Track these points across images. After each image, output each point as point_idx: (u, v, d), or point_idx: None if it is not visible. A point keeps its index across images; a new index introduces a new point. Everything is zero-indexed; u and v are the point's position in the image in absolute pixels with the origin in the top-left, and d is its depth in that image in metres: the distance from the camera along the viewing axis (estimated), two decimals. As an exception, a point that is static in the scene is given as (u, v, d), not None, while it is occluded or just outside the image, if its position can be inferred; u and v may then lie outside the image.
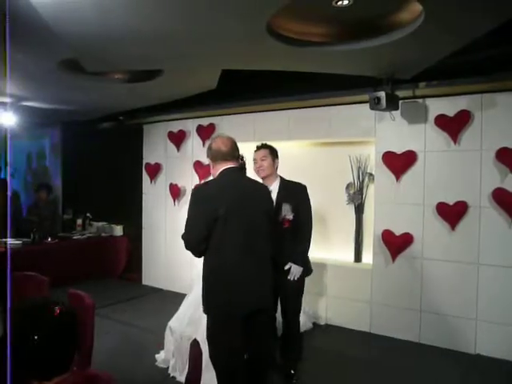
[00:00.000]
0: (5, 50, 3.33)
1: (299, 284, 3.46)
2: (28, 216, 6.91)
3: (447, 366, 3.89)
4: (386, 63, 3.69)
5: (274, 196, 3.41)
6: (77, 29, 2.96)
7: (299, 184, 3.55)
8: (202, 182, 3.67)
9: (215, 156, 2.74)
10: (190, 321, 3.54)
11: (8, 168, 7.27)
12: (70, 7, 2.67)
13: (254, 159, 3.54)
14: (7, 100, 5.66)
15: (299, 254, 3.42)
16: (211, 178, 2.90)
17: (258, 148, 3.57)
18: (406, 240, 4.49)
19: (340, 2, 2.83)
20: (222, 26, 3.03)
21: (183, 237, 2.60)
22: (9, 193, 6.60)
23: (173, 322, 3.70)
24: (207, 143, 5.75)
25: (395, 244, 4.54)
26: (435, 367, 3.87)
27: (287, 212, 3.36)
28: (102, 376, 1.43)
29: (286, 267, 3.37)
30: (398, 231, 4.54)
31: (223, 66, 4.15)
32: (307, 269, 3.49)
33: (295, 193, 3.47)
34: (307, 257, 3.54)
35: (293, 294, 3.48)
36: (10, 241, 5.74)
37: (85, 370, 1.46)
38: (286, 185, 3.51)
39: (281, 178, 3.55)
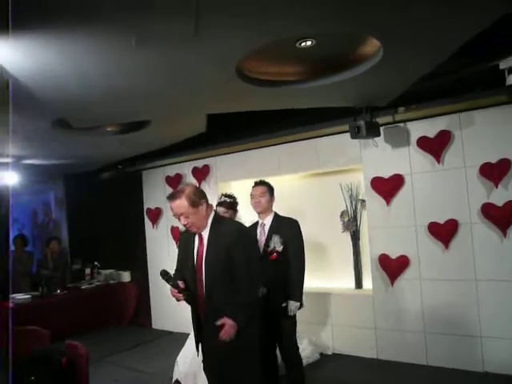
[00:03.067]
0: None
1: (293, 318, 3.51)
2: (38, 270, 7.06)
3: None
4: (360, 94, 3.84)
5: (266, 229, 3.57)
6: (58, 93, 3.18)
7: (290, 219, 3.66)
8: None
9: (207, 199, 2.76)
10: (192, 359, 3.58)
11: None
12: (50, 75, 2.88)
13: (252, 195, 3.65)
14: (9, 160, 5.91)
15: (296, 289, 3.45)
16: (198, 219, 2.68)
17: (257, 184, 3.70)
18: (402, 262, 4.52)
19: (304, 44, 2.99)
20: (195, 78, 3.22)
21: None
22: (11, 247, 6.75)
23: (180, 358, 3.74)
24: (203, 184, 5.97)
25: (392, 267, 4.58)
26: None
27: (276, 243, 3.44)
28: None
29: (283, 304, 3.41)
30: (393, 254, 4.58)
31: (202, 112, 4.33)
32: (301, 303, 3.52)
33: (286, 226, 3.56)
34: (302, 291, 3.56)
35: (288, 329, 3.51)
36: (13, 296, 5.85)
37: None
38: (278, 219, 3.63)
39: (275, 213, 3.67)
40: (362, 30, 2.77)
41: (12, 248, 7.22)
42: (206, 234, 2.68)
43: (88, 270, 7.28)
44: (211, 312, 2.61)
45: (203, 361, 2.83)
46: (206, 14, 2.27)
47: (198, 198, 2.62)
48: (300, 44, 2.98)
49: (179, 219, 2.63)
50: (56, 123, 4.35)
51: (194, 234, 2.72)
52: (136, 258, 7.02)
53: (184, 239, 2.85)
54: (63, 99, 3.36)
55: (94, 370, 4.64)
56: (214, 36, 2.56)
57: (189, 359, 3.63)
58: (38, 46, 2.48)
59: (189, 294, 2.65)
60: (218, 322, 2.55)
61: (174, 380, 3.55)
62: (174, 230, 6.40)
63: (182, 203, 2.57)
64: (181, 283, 2.65)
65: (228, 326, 2.55)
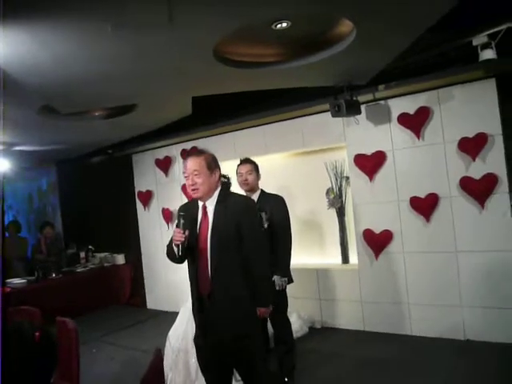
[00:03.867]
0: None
1: (283, 294, 3.60)
2: (33, 255, 7.19)
3: (440, 354, 4.01)
4: (339, 73, 3.91)
5: None
6: (42, 81, 3.24)
7: (275, 195, 3.73)
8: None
9: (220, 173, 2.69)
10: (184, 335, 3.70)
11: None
12: (31, 62, 2.95)
13: (239, 173, 3.69)
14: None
15: (281, 264, 3.53)
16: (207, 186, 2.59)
17: (242, 162, 3.73)
18: (386, 237, 4.65)
19: (279, 25, 3.05)
20: (175, 62, 3.29)
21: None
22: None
23: (171, 334, 3.85)
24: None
25: (376, 242, 4.71)
26: (430, 357, 3.98)
27: (263, 221, 3.52)
28: None
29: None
30: (377, 229, 4.71)
31: (187, 94, 4.38)
32: (289, 278, 3.61)
33: (272, 203, 3.63)
34: (289, 267, 3.65)
35: (278, 305, 3.56)
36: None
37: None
38: (264, 196, 3.70)
39: (261, 190, 3.74)
40: (333, 11, 2.83)
41: (6, 234, 7.36)
42: (211, 207, 2.59)
43: (83, 254, 7.41)
44: (218, 289, 2.52)
45: (202, 334, 2.67)
46: (178, 3, 2.33)
47: (215, 164, 2.61)
48: (276, 26, 3.04)
49: (188, 179, 2.56)
50: (43, 110, 4.40)
51: (197, 208, 2.64)
52: (129, 241, 7.15)
53: (185, 212, 2.61)
54: (46, 86, 3.43)
55: (89, 349, 4.90)
56: (188, 22, 2.62)
57: (181, 335, 3.75)
58: (20, 34, 2.53)
59: (186, 247, 2.53)
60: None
61: (165, 355, 3.67)
62: (165, 211, 6.52)
63: (199, 161, 2.54)
64: (186, 231, 2.50)
65: (263, 313, 2.64)
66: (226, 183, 3.84)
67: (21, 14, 2.30)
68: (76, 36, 2.66)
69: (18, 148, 6.11)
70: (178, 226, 2.51)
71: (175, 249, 2.53)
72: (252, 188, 3.69)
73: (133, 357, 4.75)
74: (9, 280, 6.03)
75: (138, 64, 3.26)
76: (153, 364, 1.88)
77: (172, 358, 3.72)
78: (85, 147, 6.75)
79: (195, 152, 2.64)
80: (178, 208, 2.74)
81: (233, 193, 2.86)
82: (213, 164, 2.59)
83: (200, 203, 2.64)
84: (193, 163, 2.55)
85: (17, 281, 6.03)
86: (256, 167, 3.72)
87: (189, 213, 2.63)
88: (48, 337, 1.60)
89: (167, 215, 6.46)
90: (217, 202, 2.60)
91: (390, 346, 4.38)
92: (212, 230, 2.55)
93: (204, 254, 2.56)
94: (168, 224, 6.49)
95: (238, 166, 3.75)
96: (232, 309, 2.53)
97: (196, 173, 2.53)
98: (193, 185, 2.55)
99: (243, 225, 2.54)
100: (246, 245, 2.55)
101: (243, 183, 3.68)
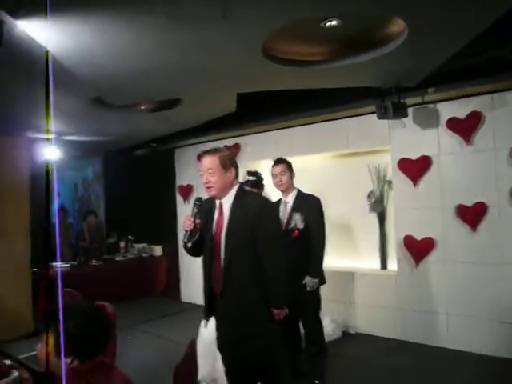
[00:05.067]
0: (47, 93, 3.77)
1: (315, 295, 3.58)
2: (76, 241, 7.44)
3: (477, 371, 3.84)
4: (387, 74, 3.82)
5: (288, 207, 3.63)
6: (95, 72, 3.34)
7: (312, 196, 3.70)
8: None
9: (237, 171, 2.68)
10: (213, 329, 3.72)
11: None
12: (87, 54, 3.04)
13: (273, 174, 3.69)
14: (51, 136, 6.20)
15: (313, 265, 3.51)
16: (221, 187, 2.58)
17: (276, 163, 3.72)
18: (427, 244, 4.52)
19: (328, 23, 3.01)
20: (224, 57, 3.31)
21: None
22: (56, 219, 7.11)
23: (202, 326, 3.88)
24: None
25: (417, 249, 4.58)
26: (465, 373, 3.83)
27: (297, 221, 3.51)
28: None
29: (304, 281, 3.47)
30: (419, 236, 4.58)
31: (232, 91, 4.40)
32: (321, 279, 3.58)
33: (308, 204, 3.61)
34: (322, 268, 3.62)
35: (310, 306, 3.60)
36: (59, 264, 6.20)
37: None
38: (300, 196, 3.67)
39: (298, 190, 3.71)
40: (386, 10, 2.77)
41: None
42: (227, 204, 2.59)
43: (122, 244, 7.61)
44: (230, 288, 2.51)
45: (218, 338, 2.73)
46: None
47: (230, 162, 2.58)
48: (325, 24, 3.00)
49: (203, 177, 2.56)
50: (94, 101, 4.54)
51: (215, 205, 2.64)
52: (168, 233, 7.27)
53: (205, 209, 2.66)
54: (99, 78, 3.53)
55: (125, 336, 5.01)
56: (240, 18, 2.63)
57: (211, 328, 3.78)
58: (75, 26, 2.61)
59: (196, 237, 2.59)
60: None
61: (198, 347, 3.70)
62: (180, 187, 6.84)
63: (213, 159, 2.52)
64: (198, 222, 2.57)
65: (277, 314, 2.54)
66: (255, 181, 3.83)
67: (77, 4, 2.37)
68: (132, 27, 2.70)
69: (67, 137, 6.33)
70: (192, 214, 2.56)
71: (183, 234, 2.58)
72: (287, 188, 3.66)
73: (165, 346, 4.85)
74: (53, 263, 6.25)
75: (189, 58, 3.29)
76: (187, 354, 1.90)
77: (201, 348, 3.75)
78: (131, 139, 6.91)
79: (210, 151, 2.61)
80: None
81: (251, 192, 2.88)
82: (228, 162, 2.57)
83: (217, 201, 2.64)
84: (207, 161, 2.55)
85: (60, 265, 6.24)
86: (290, 167, 3.68)
87: (207, 208, 2.66)
88: (102, 313, 1.72)
89: (183, 191, 6.67)
90: (233, 201, 2.58)
91: (424, 356, 4.25)
92: (227, 228, 2.56)
93: (218, 251, 2.56)
94: (184, 200, 6.80)
95: (272, 167, 3.73)
96: (240, 308, 2.51)
97: (210, 171, 2.53)
98: (207, 183, 2.56)
99: (258, 226, 2.51)
100: (260, 245, 2.51)
101: (278, 184, 3.67)
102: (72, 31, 2.69)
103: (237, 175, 2.65)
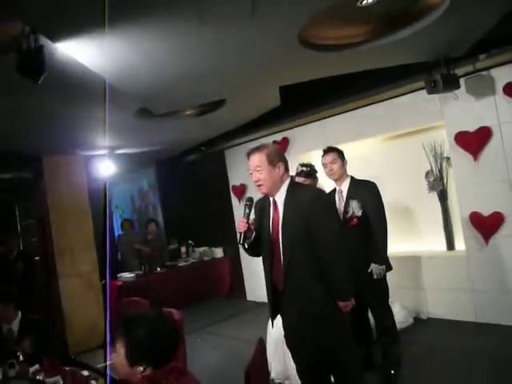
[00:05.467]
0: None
1: (382, 283, 3.48)
2: (139, 250, 7.68)
3: None
4: (432, 46, 3.63)
5: (344, 195, 3.54)
6: (135, 84, 3.42)
7: (368, 181, 3.58)
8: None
9: (287, 165, 2.64)
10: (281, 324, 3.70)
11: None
12: (126, 67, 3.11)
13: (324, 163, 3.61)
14: (105, 152, 6.43)
15: (378, 252, 3.40)
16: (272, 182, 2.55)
17: (325, 152, 3.63)
18: (496, 219, 4.27)
19: (365, 1, 2.91)
20: (261, 52, 3.28)
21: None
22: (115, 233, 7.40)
23: (270, 324, 3.88)
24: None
25: (486, 225, 4.34)
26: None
27: (355, 209, 3.41)
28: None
29: (369, 270, 3.38)
30: (486, 212, 4.34)
31: (274, 84, 4.36)
32: (387, 266, 3.46)
33: (363, 190, 3.50)
34: (387, 254, 3.50)
35: (378, 295, 3.50)
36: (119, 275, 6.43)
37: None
38: (355, 183, 3.57)
39: (351, 177, 3.62)
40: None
41: (121, 232, 7.96)
42: (280, 200, 2.55)
43: (183, 249, 7.77)
44: (292, 285, 2.48)
45: (285, 336, 2.73)
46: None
47: (278, 158, 2.54)
48: (361, 2, 2.90)
49: (252, 175, 2.55)
50: (139, 112, 4.65)
51: (269, 202, 2.62)
52: (226, 234, 7.32)
53: (259, 207, 2.69)
54: (141, 89, 3.61)
55: (194, 339, 5.11)
56: (271, 11, 2.58)
57: (278, 324, 3.76)
58: (115, 42, 2.68)
59: (252, 238, 2.57)
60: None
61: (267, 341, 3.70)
62: (233, 188, 6.93)
63: (260, 157, 2.50)
64: (252, 221, 2.57)
65: (344, 307, 2.47)
66: (308, 172, 3.75)
67: (112, 20, 2.41)
68: (166, 35, 2.74)
69: (119, 151, 6.54)
70: (245, 215, 2.54)
71: (238, 236, 2.56)
72: (339, 177, 3.57)
73: (235, 346, 4.89)
74: (120, 274, 6.49)
75: (224, 58, 3.30)
76: (257, 353, 1.89)
77: (271, 347, 3.74)
78: (180, 146, 7.05)
79: (256, 148, 2.58)
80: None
81: (303, 185, 2.85)
82: (275, 158, 2.52)
83: (271, 198, 2.61)
84: (254, 159, 2.53)
85: (126, 275, 6.46)
86: (340, 154, 3.58)
87: (261, 207, 2.66)
88: (171, 320, 1.75)
89: (236, 192, 6.73)
90: (286, 196, 2.54)
91: (503, 338, 4.02)
92: (283, 223, 2.51)
93: (277, 247, 2.52)
94: (239, 200, 6.86)
95: (322, 156, 3.65)
96: (304, 304, 2.46)
97: (258, 169, 2.50)
98: (257, 181, 2.53)
99: (312, 217, 2.44)
100: (317, 237, 2.44)
101: (329, 173, 3.59)
102: (113, 47, 2.76)
103: (286, 170, 2.60)
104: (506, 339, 4.00)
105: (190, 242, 7.85)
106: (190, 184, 7.87)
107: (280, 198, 2.56)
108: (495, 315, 4.34)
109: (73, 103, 3.84)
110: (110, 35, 2.57)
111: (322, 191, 2.90)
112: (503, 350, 3.78)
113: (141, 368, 1.62)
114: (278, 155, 2.56)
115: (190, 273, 7.07)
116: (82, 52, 2.76)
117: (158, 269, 6.84)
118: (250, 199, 2.62)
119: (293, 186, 2.59)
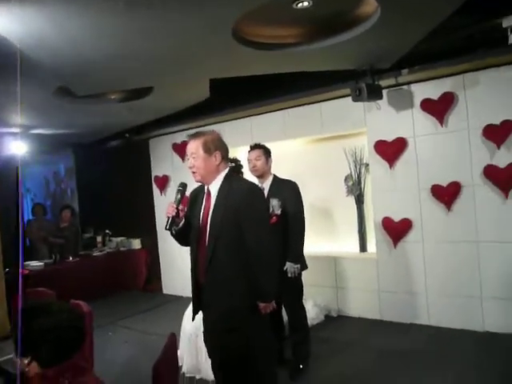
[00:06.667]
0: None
1: (297, 281, 3.56)
2: (51, 238, 7.25)
3: (457, 345, 3.93)
4: (360, 55, 3.79)
5: (265, 193, 3.56)
6: (54, 61, 3.22)
7: (288, 181, 3.66)
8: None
9: (226, 154, 2.56)
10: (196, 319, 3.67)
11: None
12: (45, 43, 2.92)
13: (248, 159, 3.64)
14: (17, 130, 5.99)
15: (294, 251, 3.47)
16: (199, 172, 2.48)
17: (252, 148, 3.68)
18: (405, 225, 4.56)
19: (300, 4, 2.95)
20: (193, 42, 3.21)
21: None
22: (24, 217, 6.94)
23: (185, 318, 3.82)
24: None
25: (395, 230, 4.62)
26: (446, 348, 3.90)
27: (275, 207, 3.45)
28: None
29: (285, 268, 3.43)
30: (396, 217, 4.61)
31: (204, 77, 4.30)
32: (302, 265, 3.55)
33: (284, 189, 3.56)
34: (302, 253, 3.59)
35: (292, 292, 3.57)
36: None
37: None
38: (277, 182, 3.63)
39: (274, 176, 3.67)
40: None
41: (31, 217, 7.44)
42: (214, 189, 2.48)
43: (99, 238, 7.46)
44: (213, 278, 2.42)
45: (204, 330, 2.65)
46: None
47: (215, 146, 2.45)
48: (297, 5, 2.95)
49: (189, 162, 2.49)
50: (58, 91, 4.38)
51: (204, 192, 2.54)
52: (146, 226, 7.16)
53: (194, 197, 2.62)
54: (60, 66, 3.39)
55: (105, 332, 4.93)
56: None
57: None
58: (33, 13, 2.48)
59: (180, 225, 2.52)
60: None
61: (180, 339, 3.65)
62: (155, 178, 6.87)
63: (196, 144, 2.44)
64: (182, 208, 2.49)
65: (264, 308, 2.45)
66: (233, 167, 3.77)
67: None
68: (87, 13, 2.56)
69: (34, 131, 6.13)
70: (176, 201, 2.49)
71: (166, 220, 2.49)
72: (262, 174, 3.62)
73: (147, 340, 4.76)
74: (27, 262, 6.08)
75: (152, 44, 3.18)
76: (167, 348, 1.85)
77: (185, 341, 3.71)
78: (102, 131, 6.74)
79: (194, 134, 2.52)
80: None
81: (240, 178, 2.76)
82: (212, 146, 2.45)
83: (205, 187, 2.54)
84: (191, 146, 2.48)
85: (34, 263, 6.07)
86: (266, 152, 3.63)
87: (196, 195, 2.59)
88: (75, 314, 1.63)
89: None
90: (220, 186, 2.48)
91: (406, 336, 4.32)
92: (212, 212, 2.45)
93: (203, 239, 2.46)
94: (161, 191, 6.75)
95: (248, 152, 3.69)
96: (222, 300, 2.42)
97: (194, 156, 2.45)
98: (191, 167, 2.48)
99: (244, 211, 2.38)
100: (246, 233, 2.38)
101: (253, 169, 3.63)
102: (30, 18, 2.55)
103: (224, 159, 2.52)
104: (407, 335, 4.30)
105: (106, 231, 7.55)
106: (111, 172, 7.57)
107: (214, 187, 2.49)
108: (398, 314, 4.64)
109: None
110: (28, 5, 2.38)
111: (256, 186, 2.85)
112: (404, 344, 4.07)
113: (25, 360, 1.51)
114: (215, 144, 2.47)
115: (105, 263, 6.82)
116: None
117: (70, 258, 6.52)
118: (183, 184, 2.55)
119: (230, 176, 2.53)
